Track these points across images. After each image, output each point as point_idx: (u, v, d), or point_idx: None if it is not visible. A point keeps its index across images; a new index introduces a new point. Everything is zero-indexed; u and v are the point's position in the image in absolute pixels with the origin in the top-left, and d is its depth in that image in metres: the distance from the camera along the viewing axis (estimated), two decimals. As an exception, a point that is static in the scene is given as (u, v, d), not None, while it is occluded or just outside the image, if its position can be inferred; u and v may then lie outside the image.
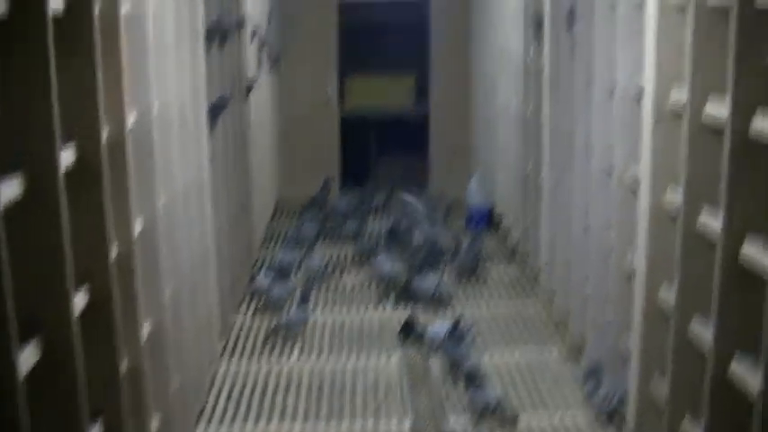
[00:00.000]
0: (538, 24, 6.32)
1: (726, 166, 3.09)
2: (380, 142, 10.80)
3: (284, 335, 5.91)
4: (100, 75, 2.85)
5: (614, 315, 4.65)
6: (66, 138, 2.72)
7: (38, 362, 2.50)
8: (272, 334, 5.93)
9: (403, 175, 10.17)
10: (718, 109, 3.27)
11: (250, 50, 6.97)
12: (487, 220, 8.54)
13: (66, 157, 2.68)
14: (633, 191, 4.33)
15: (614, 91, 4.57)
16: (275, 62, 9.01)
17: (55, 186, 2.41)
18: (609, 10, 4.68)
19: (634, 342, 4.21)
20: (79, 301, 2.80)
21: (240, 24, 6.33)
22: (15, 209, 2.28)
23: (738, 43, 2.98)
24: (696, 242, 3.52)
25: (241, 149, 6.30)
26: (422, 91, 10.31)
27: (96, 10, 2.89)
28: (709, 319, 3.27)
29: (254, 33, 7.22)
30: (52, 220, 2.41)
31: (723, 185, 3.12)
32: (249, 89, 6.73)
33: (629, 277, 4.40)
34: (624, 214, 4.48)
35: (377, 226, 8.68)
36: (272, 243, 8.23)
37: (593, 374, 4.84)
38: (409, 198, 8.21)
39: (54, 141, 2.42)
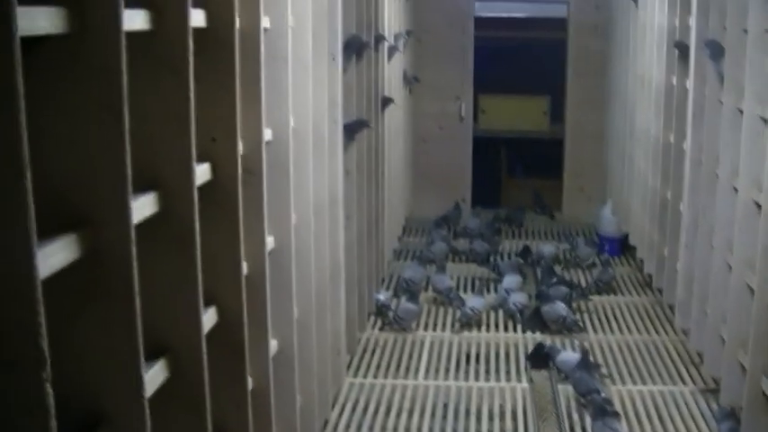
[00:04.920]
0: (682, 52, 6.14)
1: None
2: (512, 163, 10.67)
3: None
4: (238, 91, 2.82)
5: (755, 357, 4.43)
6: (202, 155, 2.70)
7: (167, 380, 2.48)
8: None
9: (535, 197, 10.04)
10: None
11: (387, 67, 6.92)
12: (620, 248, 8.34)
13: (201, 173, 2.65)
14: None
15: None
16: (411, 80, 8.96)
17: (189, 204, 2.38)
18: (761, 39, 4.48)
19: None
20: (208, 319, 2.78)
21: (378, 40, 6.27)
22: (148, 228, 2.26)
23: None
24: None
25: (375, 166, 6.25)
26: (556, 114, 10.16)
27: (237, 24, 2.87)
28: None
29: (392, 50, 7.16)
30: (185, 239, 2.38)
31: None
32: (385, 105, 6.68)
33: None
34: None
35: (507, 246, 8.56)
36: (401, 260, 8.17)
37: (730, 416, 4.61)
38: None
39: (189, 158, 2.39)
